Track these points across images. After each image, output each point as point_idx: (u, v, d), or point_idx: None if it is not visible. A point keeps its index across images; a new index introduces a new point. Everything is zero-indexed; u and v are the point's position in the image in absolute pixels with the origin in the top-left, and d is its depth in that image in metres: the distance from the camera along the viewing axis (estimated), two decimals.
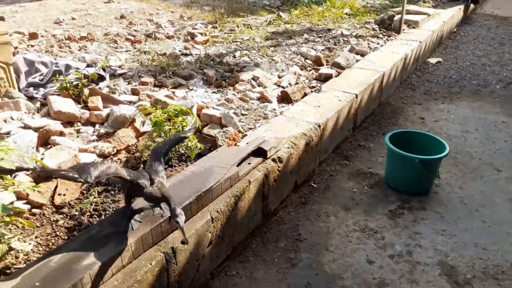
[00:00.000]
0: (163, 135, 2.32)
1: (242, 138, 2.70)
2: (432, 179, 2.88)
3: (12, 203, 1.97)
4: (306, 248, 2.38)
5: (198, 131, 2.74)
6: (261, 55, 4.27)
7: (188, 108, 2.73)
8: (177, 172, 2.22)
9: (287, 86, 3.60)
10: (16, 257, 1.76)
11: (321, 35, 5.06)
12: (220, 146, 2.57)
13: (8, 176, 1.74)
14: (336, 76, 3.86)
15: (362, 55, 4.47)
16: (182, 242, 1.80)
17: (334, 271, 2.23)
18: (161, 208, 1.82)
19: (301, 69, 4.09)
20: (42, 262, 1.53)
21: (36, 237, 1.87)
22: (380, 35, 5.15)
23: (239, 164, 2.27)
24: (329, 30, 5.22)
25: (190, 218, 1.92)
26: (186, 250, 1.83)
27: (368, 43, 4.83)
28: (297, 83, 3.68)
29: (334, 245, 2.41)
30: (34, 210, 2.01)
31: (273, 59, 4.20)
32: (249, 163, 2.34)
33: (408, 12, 5.86)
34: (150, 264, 1.66)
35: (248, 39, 4.78)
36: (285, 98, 3.41)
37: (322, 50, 4.58)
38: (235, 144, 2.63)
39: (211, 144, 2.66)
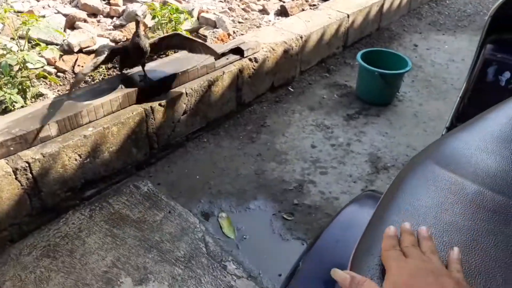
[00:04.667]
0: (159, 28, 2.89)
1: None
2: (392, 92, 3.32)
3: (43, 66, 2.66)
4: (266, 132, 2.99)
5: (195, 31, 3.28)
6: None
7: (188, 10, 3.25)
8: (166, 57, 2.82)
9: (288, 1, 3.99)
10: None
11: None
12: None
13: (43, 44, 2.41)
14: None
15: None
16: (160, 105, 2.45)
17: (283, 149, 2.84)
18: (144, 76, 2.44)
19: None
20: (58, 100, 2.23)
21: (58, 91, 2.58)
22: None
23: (218, 58, 2.82)
24: None
25: (170, 89, 2.55)
26: (162, 111, 2.48)
27: None
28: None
29: (289, 133, 2.99)
30: (59, 74, 2.71)
31: None
32: (227, 59, 2.89)
33: None
34: (132, 113, 2.33)
35: None
36: (283, 12, 3.82)
37: None
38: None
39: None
